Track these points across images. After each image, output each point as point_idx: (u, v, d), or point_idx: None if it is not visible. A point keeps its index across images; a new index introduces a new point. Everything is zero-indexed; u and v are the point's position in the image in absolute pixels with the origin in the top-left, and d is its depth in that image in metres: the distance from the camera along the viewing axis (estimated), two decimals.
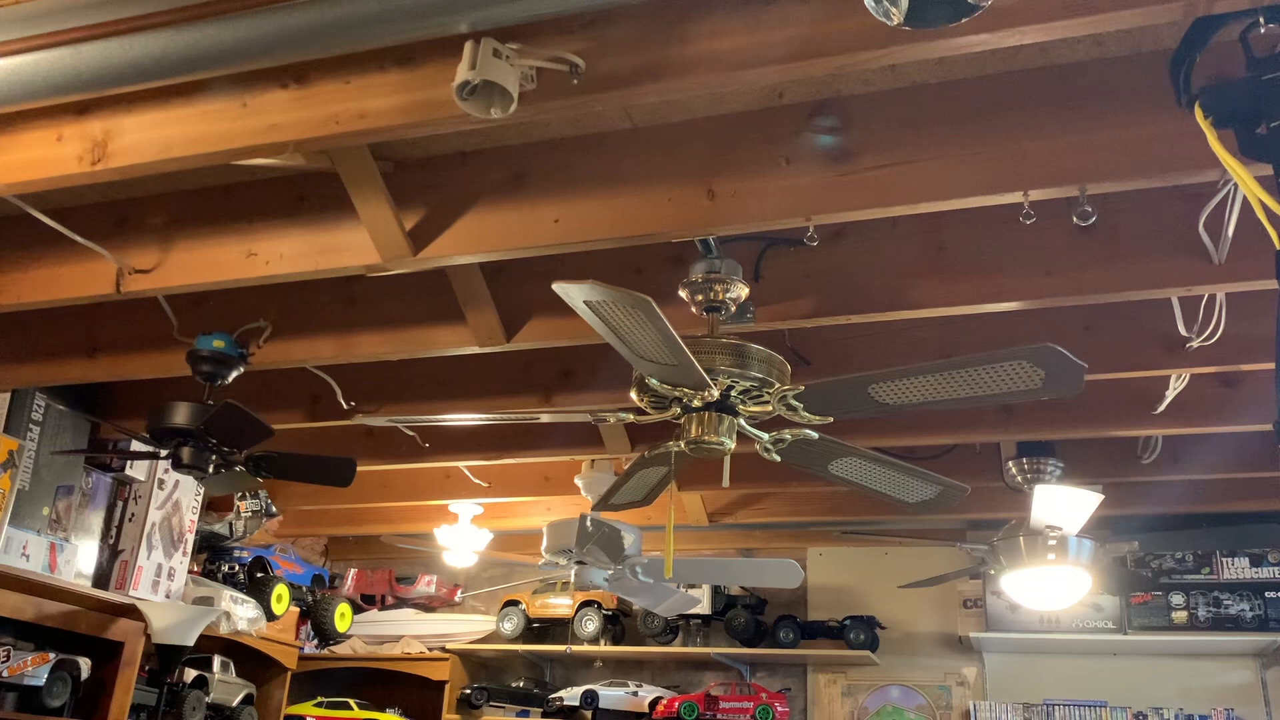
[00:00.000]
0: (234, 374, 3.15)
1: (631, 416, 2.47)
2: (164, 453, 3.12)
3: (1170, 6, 1.66)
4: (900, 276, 2.62)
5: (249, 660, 4.77)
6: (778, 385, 2.30)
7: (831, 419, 2.34)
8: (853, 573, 5.34)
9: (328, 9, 1.78)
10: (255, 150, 2.17)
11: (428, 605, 5.76)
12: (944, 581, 4.31)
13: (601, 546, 3.62)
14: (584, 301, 1.86)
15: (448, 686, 5.34)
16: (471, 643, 5.50)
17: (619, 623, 5.37)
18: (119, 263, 2.81)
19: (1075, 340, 2.85)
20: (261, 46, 1.85)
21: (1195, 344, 2.78)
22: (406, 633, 5.56)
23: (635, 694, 5.07)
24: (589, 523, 3.65)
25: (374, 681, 5.61)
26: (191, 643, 4.01)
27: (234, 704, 4.58)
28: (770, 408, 2.36)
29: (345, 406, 3.56)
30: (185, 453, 3.06)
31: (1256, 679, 4.63)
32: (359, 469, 3.26)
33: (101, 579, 4.03)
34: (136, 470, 4.15)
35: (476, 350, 2.99)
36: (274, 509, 4.86)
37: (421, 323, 3.04)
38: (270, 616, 4.71)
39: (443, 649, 5.46)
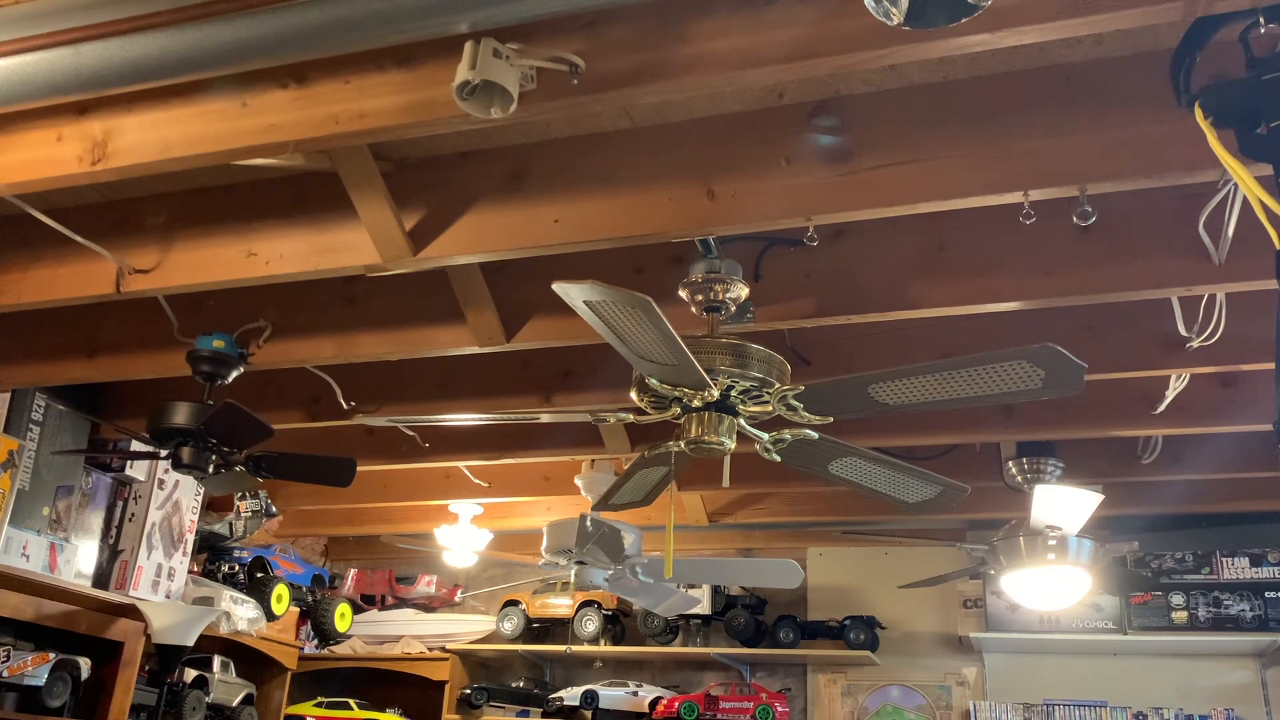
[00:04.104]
0: (234, 374, 3.15)
1: (631, 416, 2.47)
2: (164, 453, 3.12)
3: (1170, 6, 1.66)
4: (900, 276, 2.62)
5: (249, 660, 4.77)
6: (778, 385, 2.30)
7: (831, 419, 2.34)
8: (853, 573, 5.33)
9: (328, 9, 1.78)
10: (255, 150, 2.17)
11: (428, 605, 5.76)
12: (944, 581, 4.31)
13: (601, 546, 3.62)
14: (584, 301, 1.86)
15: (448, 686, 5.34)
16: (471, 643, 5.50)
17: (619, 623, 5.37)
18: (119, 263, 2.81)
19: (1075, 340, 2.85)
20: (261, 46, 1.85)
21: (1195, 344, 2.78)
22: (406, 633, 5.56)
23: (635, 694, 5.07)
24: (589, 523, 3.64)
25: (374, 681, 5.62)
26: (191, 643, 4.01)
27: (234, 704, 4.58)
28: (770, 408, 2.36)
29: (345, 406, 3.56)
30: (185, 453, 3.06)
31: (1256, 679, 4.63)
32: (359, 469, 3.26)
33: (101, 579, 4.03)
34: (136, 470, 4.15)
35: (476, 350, 2.99)
36: (274, 509, 4.86)
37: (421, 323, 3.04)
38: (270, 616, 4.70)
39: (443, 649, 5.46)
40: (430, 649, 5.48)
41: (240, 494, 4.71)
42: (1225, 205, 2.30)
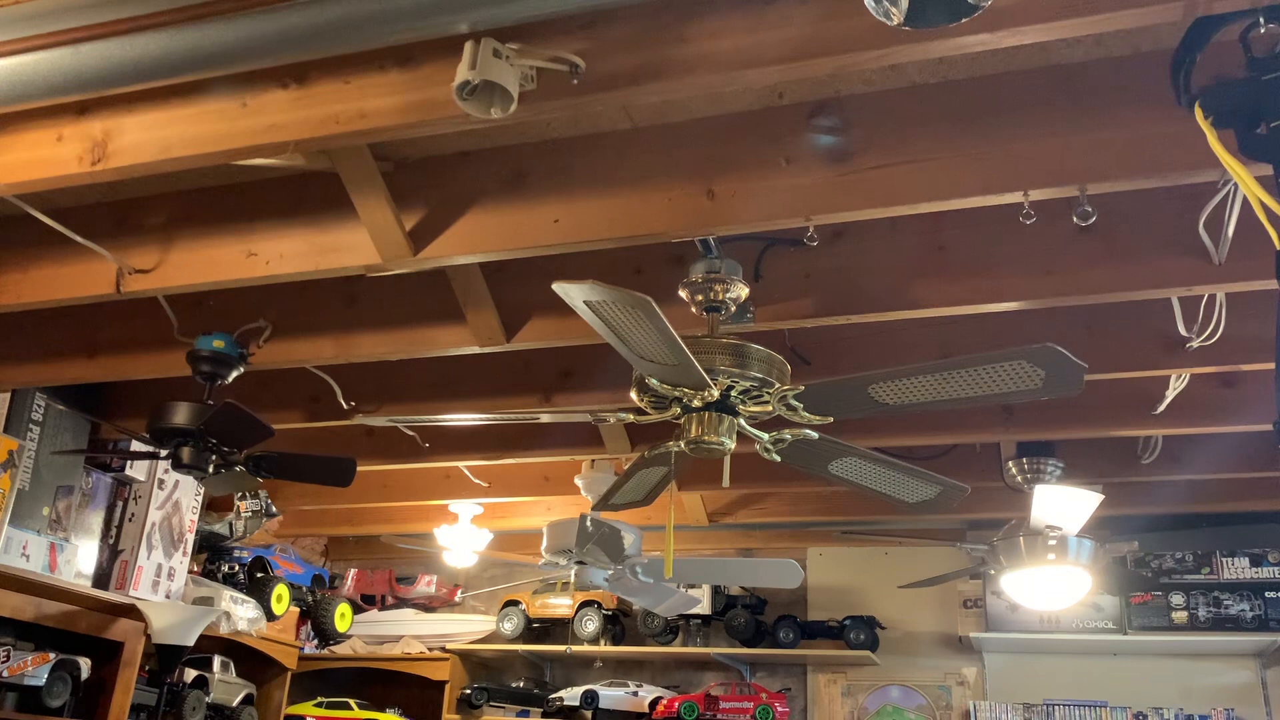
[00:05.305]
0: (234, 374, 3.15)
1: (631, 416, 2.47)
2: (164, 453, 3.12)
3: (1170, 6, 1.66)
4: (900, 276, 2.62)
5: (249, 660, 4.77)
6: (778, 385, 2.30)
7: (831, 419, 2.34)
8: (853, 573, 5.33)
9: (328, 9, 1.78)
10: (255, 150, 2.17)
11: (428, 605, 5.76)
12: (944, 581, 4.31)
13: (601, 546, 3.62)
14: (584, 301, 1.86)
15: (448, 686, 5.34)
16: (471, 643, 5.50)
17: (619, 623, 5.37)
18: (119, 263, 2.81)
19: (1075, 340, 2.85)
20: (261, 46, 1.85)
21: (1195, 344, 2.78)
22: (406, 633, 5.56)
23: (635, 694, 5.07)
24: (589, 523, 3.64)
25: (374, 681, 5.62)
26: (191, 643, 4.01)
27: (234, 704, 4.58)
28: (770, 408, 2.36)
29: (345, 406, 3.56)
30: (185, 453, 3.06)
31: (1256, 679, 4.63)
32: (359, 469, 3.26)
33: (101, 579, 4.03)
34: (136, 470, 4.15)
35: (476, 350, 2.99)
36: (274, 509, 4.86)
37: (421, 323, 3.04)
38: (270, 616, 4.71)
39: (443, 649, 5.46)
40: (430, 649, 5.48)
41: (240, 494, 4.71)
42: (1225, 205, 2.30)
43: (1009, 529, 3.76)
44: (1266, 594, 4.48)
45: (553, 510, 4.91)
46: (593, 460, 4.22)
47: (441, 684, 5.35)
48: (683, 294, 2.51)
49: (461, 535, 4.95)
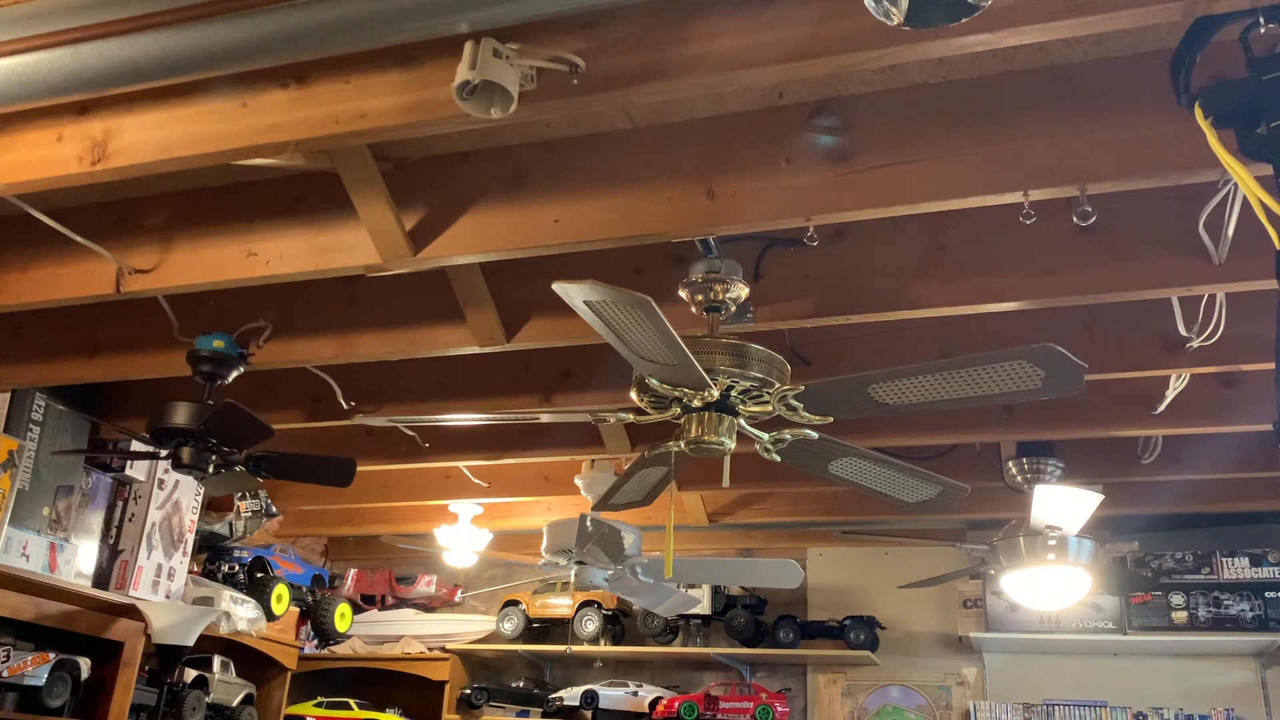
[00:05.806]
0: (234, 374, 3.15)
1: (631, 416, 2.47)
2: (164, 453, 3.12)
3: (1170, 6, 1.66)
4: (900, 276, 2.62)
5: (249, 660, 4.77)
6: (778, 385, 2.30)
7: (831, 419, 2.34)
8: (853, 573, 5.34)
9: (328, 9, 1.78)
10: (255, 150, 2.17)
11: (428, 605, 5.76)
12: (944, 581, 4.31)
13: (601, 546, 3.62)
14: (584, 301, 1.86)
15: (448, 686, 5.34)
16: (471, 643, 5.50)
17: (619, 623, 5.37)
18: (119, 263, 2.81)
19: (1075, 340, 2.85)
20: (261, 46, 1.85)
21: (1195, 344, 2.78)
22: (406, 633, 5.56)
23: (635, 694, 5.07)
24: (589, 523, 3.64)
25: (374, 681, 5.62)
26: (191, 643, 4.01)
27: (234, 704, 4.58)
28: (770, 408, 2.36)
29: (345, 406, 3.56)
30: (185, 453, 3.06)
31: (1256, 679, 4.63)
32: (359, 469, 3.26)
33: (101, 579, 4.03)
34: (136, 470, 4.15)
35: (476, 350, 2.99)
36: (274, 509, 4.86)
37: (421, 323, 3.04)
38: (270, 616, 4.71)
39: (443, 649, 5.46)
40: (430, 649, 5.48)
41: (240, 494, 4.71)
42: (1225, 205, 2.30)
43: (1009, 529, 3.76)
44: (1266, 594, 4.48)
45: (553, 510, 4.91)
46: (593, 460, 4.22)
47: (441, 684, 5.35)
48: (683, 294, 2.51)
49: (461, 535, 4.95)
